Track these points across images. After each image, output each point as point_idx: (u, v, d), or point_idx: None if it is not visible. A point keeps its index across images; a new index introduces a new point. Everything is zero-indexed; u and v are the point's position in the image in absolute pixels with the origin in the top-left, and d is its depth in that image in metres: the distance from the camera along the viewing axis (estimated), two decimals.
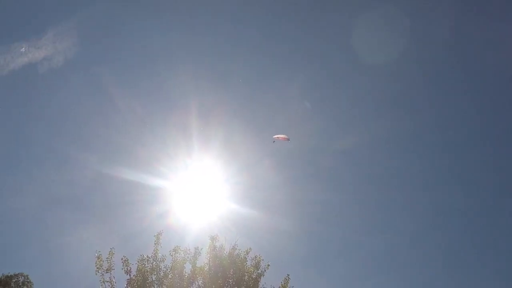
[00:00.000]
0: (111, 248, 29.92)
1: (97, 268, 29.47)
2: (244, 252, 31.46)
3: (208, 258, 31.10)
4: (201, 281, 30.51)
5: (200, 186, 50.62)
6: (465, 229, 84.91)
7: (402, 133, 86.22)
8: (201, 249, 31.15)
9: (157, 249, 30.65)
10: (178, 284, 29.94)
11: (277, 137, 39.37)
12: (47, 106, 77.48)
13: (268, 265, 31.51)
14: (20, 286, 55.18)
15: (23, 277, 55.73)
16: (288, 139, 39.57)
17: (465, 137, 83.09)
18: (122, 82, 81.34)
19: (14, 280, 55.16)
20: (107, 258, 29.63)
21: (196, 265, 30.78)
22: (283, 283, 30.95)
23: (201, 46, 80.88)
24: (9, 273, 55.04)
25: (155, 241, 30.83)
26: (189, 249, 30.95)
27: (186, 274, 30.48)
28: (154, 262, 30.26)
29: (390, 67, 79.02)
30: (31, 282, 55.91)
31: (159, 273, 30.10)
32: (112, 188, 66.44)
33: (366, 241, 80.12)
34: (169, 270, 30.33)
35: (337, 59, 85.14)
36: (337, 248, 79.53)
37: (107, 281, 29.39)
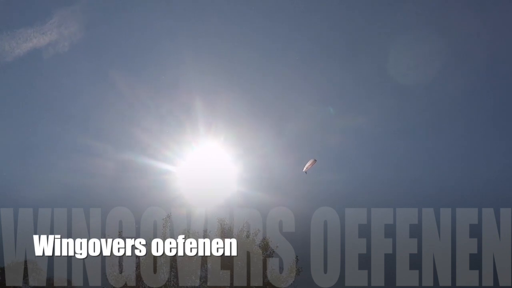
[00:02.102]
0: (119, 232, 30.08)
1: None
2: (252, 233, 31.63)
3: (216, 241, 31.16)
4: (210, 264, 30.67)
5: (207, 170, 50.42)
6: None
7: None
8: (209, 232, 31.34)
9: (165, 232, 30.79)
10: (187, 267, 30.08)
11: (307, 167, 39.01)
12: (52, 92, 77.26)
13: (277, 246, 31.72)
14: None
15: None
16: (315, 160, 39.16)
17: None
18: (128, 67, 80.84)
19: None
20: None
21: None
22: (291, 264, 31.12)
23: (207, 30, 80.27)
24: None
25: (164, 224, 30.95)
26: (197, 232, 31.08)
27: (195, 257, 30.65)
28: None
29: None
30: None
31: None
32: (119, 173, 66.38)
33: (375, 218, 79.61)
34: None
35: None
36: (346, 229, 79.16)
37: (116, 265, 29.59)
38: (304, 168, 38.85)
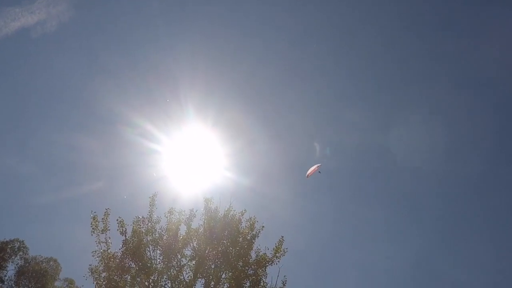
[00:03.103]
0: (106, 209, 30.15)
1: (92, 229, 29.72)
2: (239, 213, 31.81)
3: (203, 219, 31.44)
4: (195, 243, 30.84)
5: (195, 153, 50.62)
6: None
7: None
8: (196, 211, 31.48)
9: (152, 211, 30.90)
10: (173, 246, 30.22)
11: (311, 172, 38.98)
12: (41, 71, 76.89)
13: (263, 226, 31.89)
14: (15, 251, 55.52)
15: (18, 243, 56.03)
16: (319, 166, 39.15)
17: None
18: (117, 47, 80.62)
19: (9, 246, 55.47)
20: (102, 219, 29.89)
21: (191, 226, 31.15)
22: (277, 244, 31.28)
23: (200, 15, 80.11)
24: (4, 239, 55.35)
25: (150, 202, 31.05)
26: (184, 211, 31.24)
27: (181, 235, 30.85)
28: (149, 224, 30.60)
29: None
30: (26, 247, 56.24)
31: (154, 234, 30.50)
32: (108, 151, 66.39)
33: (360, 209, 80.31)
34: (164, 232, 30.71)
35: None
36: (333, 215, 79.66)
37: (103, 242, 29.67)
38: (308, 172, 38.90)
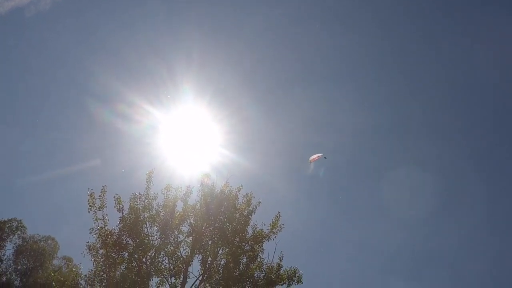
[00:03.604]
0: (103, 186, 30.13)
1: (89, 206, 29.71)
2: (235, 189, 31.86)
3: (200, 196, 31.48)
4: (192, 219, 30.97)
5: (192, 130, 50.50)
6: None
7: None
8: (192, 188, 31.49)
9: (149, 187, 30.89)
10: (170, 222, 30.33)
11: (313, 159, 38.77)
12: (35, 50, 76.41)
13: (259, 202, 32.03)
14: (13, 230, 55.68)
15: (16, 222, 56.20)
16: (324, 156, 38.88)
17: None
18: (112, 24, 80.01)
19: (7, 225, 55.63)
20: (99, 196, 29.88)
21: (188, 203, 31.21)
22: (274, 220, 31.43)
23: None
24: (2, 218, 55.48)
25: (147, 179, 31.00)
26: (180, 188, 31.25)
27: (178, 212, 30.93)
28: (146, 200, 30.64)
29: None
30: (24, 227, 56.40)
31: (151, 211, 30.54)
32: (105, 127, 66.21)
33: (356, 186, 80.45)
34: (161, 208, 30.77)
35: None
36: (330, 192, 79.74)
37: (100, 219, 29.71)
38: (311, 158, 38.79)
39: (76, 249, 29.53)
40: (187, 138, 48.85)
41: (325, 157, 38.44)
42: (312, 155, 38.51)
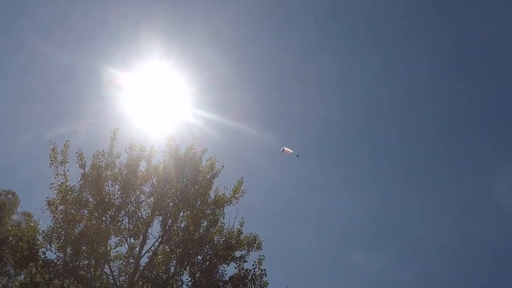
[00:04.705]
0: (66, 141, 29.69)
1: (51, 160, 29.26)
2: (200, 152, 31.73)
3: (164, 157, 31.25)
4: (155, 180, 30.71)
5: (159, 90, 49.71)
6: None
7: None
8: (157, 148, 31.27)
9: (113, 145, 30.42)
10: (132, 181, 30.06)
11: (285, 151, 38.31)
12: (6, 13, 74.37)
13: (223, 166, 31.88)
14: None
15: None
16: (295, 155, 38.44)
17: None
18: None
19: None
20: (62, 150, 29.41)
21: (151, 163, 30.96)
22: (236, 185, 31.49)
23: None
24: None
25: (111, 137, 30.52)
26: (145, 147, 30.91)
27: (141, 172, 30.65)
28: (109, 158, 30.21)
29: None
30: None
31: (114, 169, 30.17)
32: (72, 80, 65.05)
33: (323, 156, 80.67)
34: (123, 167, 30.42)
35: None
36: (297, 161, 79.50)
37: (61, 174, 29.28)
38: (283, 149, 38.49)
39: (36, 206, 29.11)
40: (154, 98, 48.18)
41: (297, 155, 38.31)
42: (286, 147, 38.31)
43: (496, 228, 74.31)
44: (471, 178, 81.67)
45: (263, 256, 29.45)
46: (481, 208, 78.28)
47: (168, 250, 30.16)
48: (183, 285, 29.42)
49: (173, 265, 29.77)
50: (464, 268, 73.08)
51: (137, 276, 28.96)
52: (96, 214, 29.15)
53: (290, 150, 37.69)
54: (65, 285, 28.07)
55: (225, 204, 31.06)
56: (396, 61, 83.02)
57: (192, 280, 29.24)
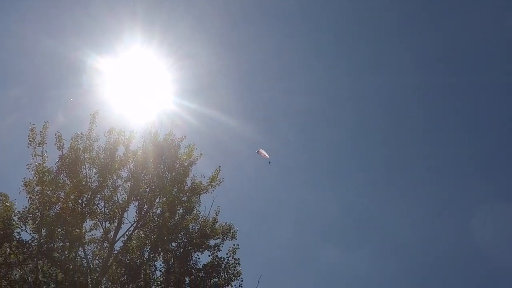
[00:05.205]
0: (45, 122, 29.58)
1: (29, 140, 29.16)
2: (178, 139, 31.84)
3: (142, 142, 31.31)
4: (132, 165, 30.70)
5: (141, 75, 49.37)
6: None
7: None
8: (136, 133, 31.28)
9: (92, 128, 30.30)
10: (110, 166, 30.06)
11: (261, 153, 38.23)
12: None
13: (201, 154, 32.07)
14: None
15: None
16: (268, 160, 38.34)
17: None
18: None
19: None
20: (40, 131, 29.27)
21: (130, 148, 30.91)
22: (213, 173, 31.72)
23: None
24: None
25: (91, 120, 30.47)
26: (124, 132, 30.88)
27: (119, 156, 30.60)
28: (88, 141, 30.09)
29: None
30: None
31: (92, 153, 30.08)
32: (53, 64, 64.39)
33: (302, 147, 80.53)
34: (101, 151, 30.36)
35: None
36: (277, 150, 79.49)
37: (39, 155, 29.20)
38: (259, 151, 38.47)
39: (13, 187, 29.05)
40: (135, 84, 47.96)
41: (269, 162, 38.37)
42: (262, 150, 38.36)
43: (474, 230, 74.91)
44: (453, 178, 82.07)
45: (238, 245, 29.71)
46: (461, 209, 78.78)
47: (143, 235, 30.18)
48: (157, 271, 29.44)
49: (147, 250, 29.75)
50: (440, 268, 73.65)
51: (111, 260, 28.97)
52: (73, 197, 29.05)
53: (267, 155, 37.80)
54: (39, 266, 28.10)
55: (202, 192, 31.19)
56: (383, 54, 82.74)
57: (166, 267, 29.32)
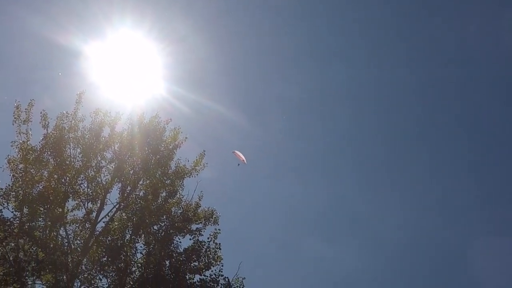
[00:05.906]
0: (31, 100, 29.36)
1: (15, 118, 29.01)
2: (164, 122, 31.89)
3: (128, 124, 31.23)
4: (117, 146, 30.61)
5: (130, 59, 49.03)
6: None
7: None
8: (122, 115, 31.15)
9: (77, 108, 30.15)
10: (94, 146, 30.00)
11: (238, 155, 38.15)
12: None
13: (186, 137, 32.19)
14: None
15: None
16: (243, 161, 38.24)
17: None
18: None
19: None
20: (26, 109, 29.11)
21: (115, 129, 30.79)
22: (198, 157, 31.80)
23: None
24: None
25: (77, 100, 30.25)
26: (109, 113, 30.79)
27: (104, 137, 30.50)
28: (73, 121, 29.93)
29: None
30: None
31: (77, 132, 29.97)
32: (41, 46, 63.83)
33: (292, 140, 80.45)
34: (87, 131, 30.24)
35: None
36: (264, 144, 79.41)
37: (23, 133, 29.05)
38: (235, 152, 38.42)
39: None
40: (123, 67, 47.66)
41: (238, 164, 38.46)
42: (239, 152, 38.37)
43: (457, 226, 75.47)
44: (443, 176, 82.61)
45: (219, 230, 29.95)
46: (449, 206, 79.27)
47: (125, 217, 30.19)
48: (137, 253, 29.55)
49: (129, 232, 29.76)
50: (425, 264, 74.17)
51: (92, 241, 28.94)
52: (56, 176, 28.97)
53: (242, 157, 37.85)
54: (19, 245, 28.04)
55: (185, 176, 31.27)
56: (381, 49, 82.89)
57: (147, 249, 29.44)
